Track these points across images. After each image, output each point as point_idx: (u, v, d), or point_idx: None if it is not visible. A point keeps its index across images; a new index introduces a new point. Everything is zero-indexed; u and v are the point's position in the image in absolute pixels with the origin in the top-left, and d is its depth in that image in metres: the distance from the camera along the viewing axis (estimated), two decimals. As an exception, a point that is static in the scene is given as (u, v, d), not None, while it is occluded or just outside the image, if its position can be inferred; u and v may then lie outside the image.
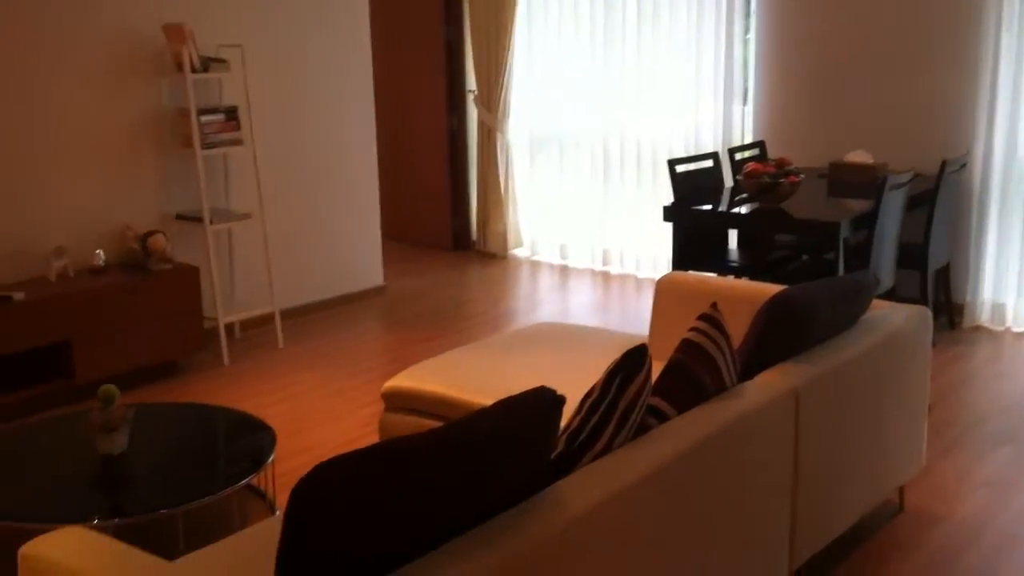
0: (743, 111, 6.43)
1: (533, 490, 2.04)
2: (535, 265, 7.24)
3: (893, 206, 4.79)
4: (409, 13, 7.48)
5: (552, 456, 2.19)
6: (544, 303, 6.31)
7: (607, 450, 2.23)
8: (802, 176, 4.96)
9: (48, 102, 4.71)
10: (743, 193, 5.13)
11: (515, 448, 1.97)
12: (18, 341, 4.30)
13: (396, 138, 7.65)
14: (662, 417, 2.43)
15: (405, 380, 3.58)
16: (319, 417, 4.46)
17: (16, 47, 4.57)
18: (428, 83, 7.50)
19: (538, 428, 2.02)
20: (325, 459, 1.68)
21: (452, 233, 7.63)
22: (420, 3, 7.40)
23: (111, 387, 3.30)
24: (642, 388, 2.26)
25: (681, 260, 5.19)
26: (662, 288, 3.81)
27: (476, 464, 1.87)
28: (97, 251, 4.81)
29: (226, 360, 5.14)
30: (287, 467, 3.87)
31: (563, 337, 3.96)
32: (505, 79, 7.08)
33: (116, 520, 2.93)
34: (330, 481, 1.67)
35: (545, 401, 2.05)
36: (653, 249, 6.69)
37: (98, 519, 2.90)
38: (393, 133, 7.61)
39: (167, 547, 3.02)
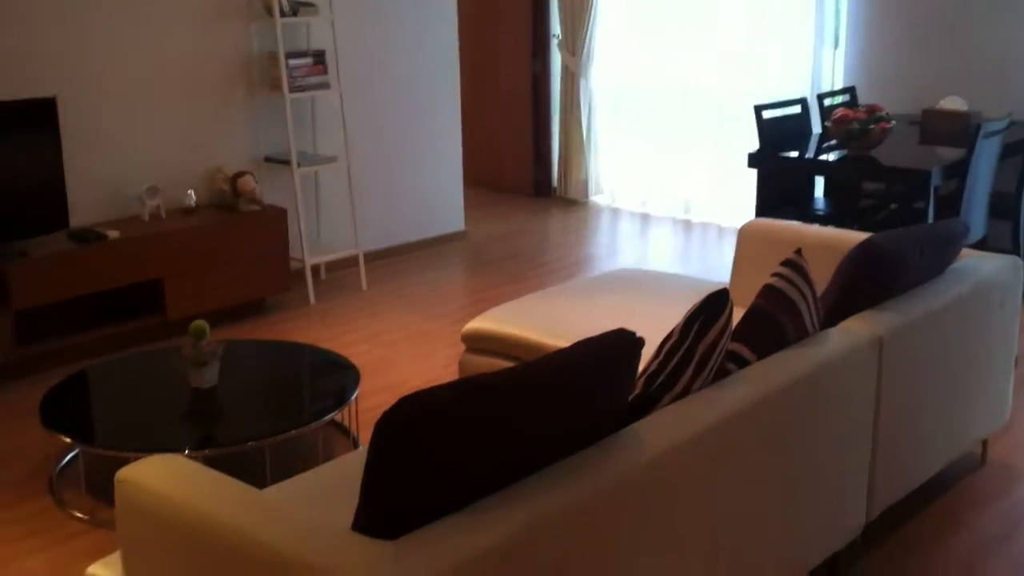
0: (833, 56, 6.27)
1: (611, 430, 2.07)
2: (615, 212, 7.21)
3: (986, 154, 4.65)
4: (494, -44, 7.44)
5: (630, 398, 2.20)
6: (623, 250, 6.30)
7: (685, 393, 2.24)
8: (893, 123, 4.84)
9: (144, 43, 4.81)
10: (831, 140, 5.03)
11: (594, 388, 2.00)
12: (113, 278, 4.44)
13: (480, 83, 7.64)
14: (742, 363, 2.43)
15: (485, 322, 3.63)
16: (400, 357, 4.54)
17: (111, -10, 4.67)
18: (513, 28, 7.47)
19: (617, 369, 2.04)
20: (394, 402, 1.73)
21: (533, 179, 7.63)
22: (505, -54, 7.35)
23: (202, 323, 3.40)
24: (722, 333, 2.26)
25: (765, 207, 5.12)
26: (745, 235, 3.78)
27: (556, 402, 1.90)
28: (189, 191, 4.93)
29: (311, 300, 5.24)
30: (369, 404, 3.95)
31: (642, 283, 3.96)
32: (590, 24, 7.01)
33: (206, 451, 3.04)
34: (415, 413, 1.71)
35: (624, 342, 2.07)
36: (736, 197, 6.61)
37: (189, 450, 3.02)
38: (477, 78, 7.60)
39: (254, 479, 3.13)
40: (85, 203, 4.64)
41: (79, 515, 3.20)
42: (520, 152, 7.64)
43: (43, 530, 3.13)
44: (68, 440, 3.14)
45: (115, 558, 2.19)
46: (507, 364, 3.52)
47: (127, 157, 4.82)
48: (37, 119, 4.28)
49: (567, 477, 1.89)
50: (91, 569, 2.19)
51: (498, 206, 7.36)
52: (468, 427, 1.77)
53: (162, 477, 2.01)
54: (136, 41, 4.79)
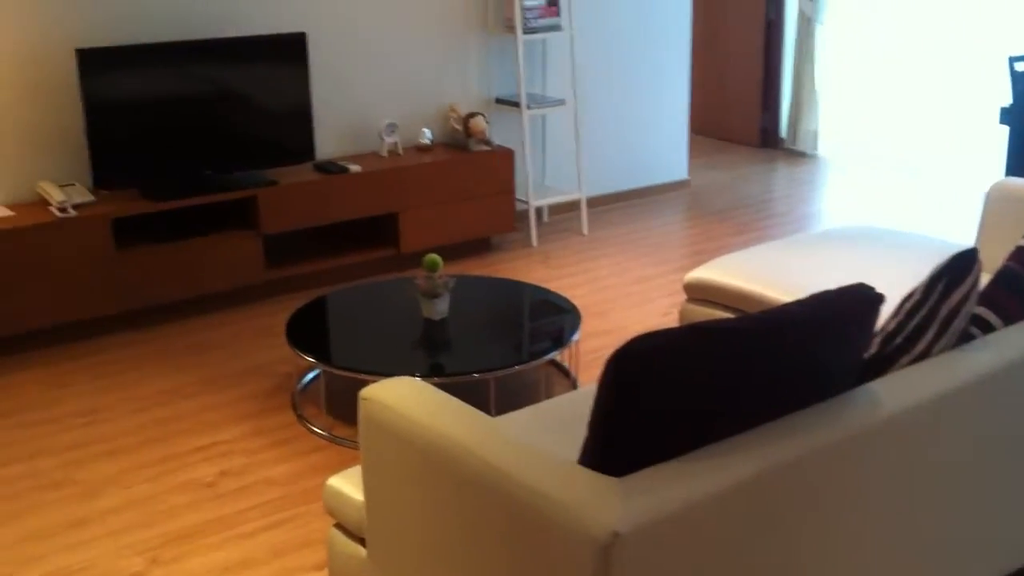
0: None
1: (845, 387, 2.03)
2: (845, 166, 6.95)
3: None
4: (734, -102, 7.23)
5: (866, 356, 2.16)
6: (853, 206, 6.07)
7: (925, 355, 2.17)
8: None
9: (386, -14, 4.99)
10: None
11: (829, 342, 1.97)
12: (352, 209, 4.68)
13: (710, 28, 7.49)
14: (987, 328, 2.32)
15: (709, 272, 3.60)
16: (620, 302, 4.58)
17: (360, -68, 4.85)
18: (748, -28, 7.26)
19: (854, 324, 2.00)
20: (626, 341, 1.75)
21: (760, 129, 7.45)
22: None
23: (436, 257, 3.54)
24: (968, 295, 2.17)
25: (1017, 167, 4.82)
26: (994, 196, 3.58)
27: (790, 353, 1.88)
28: (424, 129, 5.10)
29: (534, 242, 5.35)
30: (588, 347, 4.02)
31: (876, 239, 3.82)
32: (831, -32, 6.73)
33: (435, 379, 3.18)
34: (648, 351, 1.74)
35: (863, 298, 2.02)
36: (978, 156, 6.24)
37: (419, 376, 3.16)
38: (707, 23, 7.45)
39: (478, 409, 3.26)
40: (329, 137, 4.89)
41: (318, 430, 3.42)
42: (748, 100, 7.47)
43: (284, 442, 3.37)
44: (311, 360, 3.35)
45: (355, 471, 2.34)
46: (730, 316, 3.51)
47: (368, 93, 5.03)
48: (289, 54, 4.52)
49: (797, 431, 1.88)
50: (331, 480, 2.35)
51: (722, 155, 7.23)
52: (699, 371, 1.78)
53: (402, 397, 2.13)
54: (381, -18, 4.97)
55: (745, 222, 5.73)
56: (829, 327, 1.97)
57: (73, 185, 4.17)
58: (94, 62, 4.04)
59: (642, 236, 5.50)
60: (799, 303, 1.98)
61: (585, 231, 5.55)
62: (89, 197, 4.13)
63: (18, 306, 3.92)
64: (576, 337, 3.51)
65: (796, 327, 1.92)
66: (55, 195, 4.04)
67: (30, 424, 3.47)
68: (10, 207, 4.10)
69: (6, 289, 3.88)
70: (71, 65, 4.10)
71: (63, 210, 4.01)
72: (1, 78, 4.07)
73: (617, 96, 5.94)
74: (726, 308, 3.54)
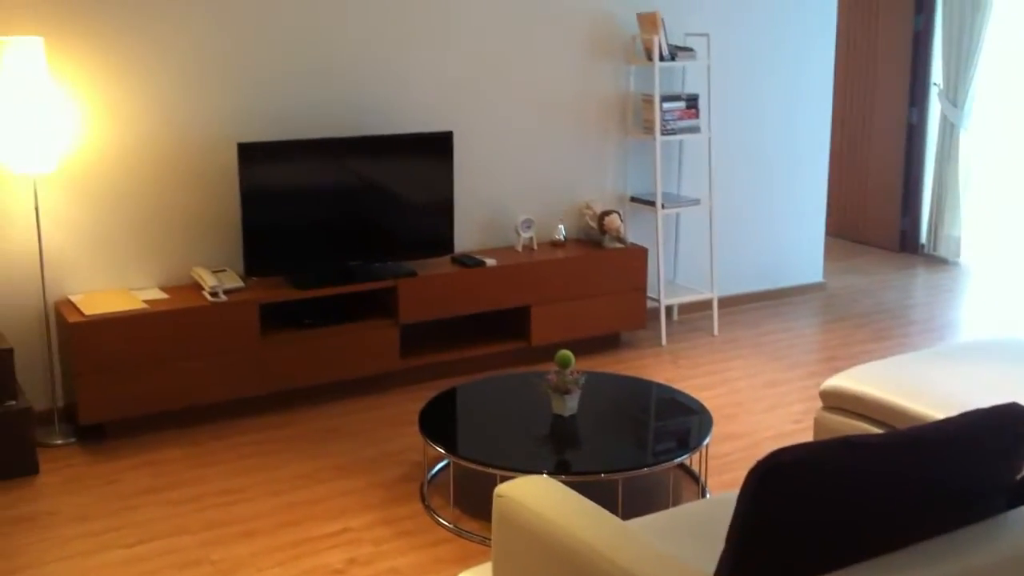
0: None
1: (996, 510, 1.96)
2: (989, 275, 6.74)
3: None
4: (878, 2, 7.23)
5: (1019, 477, 2.08)
6: (996, 317, 5.87)
7: (1082, 482, 2.08)
8: None
9: (530, 81, 5.13)
10: None
11: (981, 462, 1.91)
12: (487, 302, 4.76)
13: (849, 130, 7.44)
14: None
15: (848, 380, 3.53)
16: (751, 406, 4.51)
17: (496, 18, 5.02)
18: (890, 74, 7.21)
19: (1007, 444, 1.94)
20: (757, 448, 1.74)
21: (900, 233, 7.30)
22: (889, -8, 7.13)
23: (568, 353, 3.57)
24: None
25: None
26: None
27: (940, 471, 1.83)
28: (559, 225, 5.18)
29: (663, 340, 5.33)
30: (718, 451, 3.96)
31: (1022, 353, 3.69)
32: (974, 73, 6.63)
33: (563, 476, 3.18)
34: (793, 465, 1.72)
35: (1016, 417, 1.96)
36: None
37: (548, 473, 3.17)
38: (847, 125, 7.41)
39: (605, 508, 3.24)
40: (467, 230, 5.01)
41: (444, 522, 3.45)
42: (887, 204, 7.35)
43: (411, 532, 3.40)
44: (440, 450, 3.40)
45: (485, 569, 2.35)
46: (867, 427, 3.43)
47: (507, 189, 5.15)
48: (435, 150, 4.68)
49: (947, 555, 1.81)
50: (463, 575, 2.37)
51: (860, 259, 7.11)
52: (845, 486, 1.75)
53: (538, 497, 2.14)
54: (523, 79, 5.11)
55: (883, 329, 5.60)
56: (981, 446, 1.91)
57: (225, 271, 4.37)
58: (253, 155, 4.26)
59: (775, 339, 5.43)
60: (949, 420, 1.93)
61: (716, 331, 5.51)
62: (239, 283, 4.31)
63: (169, 385, 4.10)
64: (707, 441, 3.47)
65: (947, 445, 1.87)
66: (208, 280, 4.24)
67: (175, 501, 3.60)
68: (165, 289, 4.32)
69: (158, 368, 4.06)
70: (231, 157, 4.33)
71: (214, 295, 4.20)
72: (166, 167, 4.33)
73: (753, 196, 5.93)
74: (864, 419, 3.46)
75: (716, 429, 4.21)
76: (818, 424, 3.65)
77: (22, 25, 3.97)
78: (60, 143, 3.99)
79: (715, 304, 5.56)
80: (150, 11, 4.20)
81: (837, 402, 3.56)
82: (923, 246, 7.22)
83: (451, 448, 3.40)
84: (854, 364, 4.23)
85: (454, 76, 4.92)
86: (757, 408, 4.49)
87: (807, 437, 4.01)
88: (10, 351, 3.73)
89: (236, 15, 4.38)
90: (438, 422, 3.63)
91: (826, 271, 6.39)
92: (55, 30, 4.02)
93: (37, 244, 4.02)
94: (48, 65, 3.92)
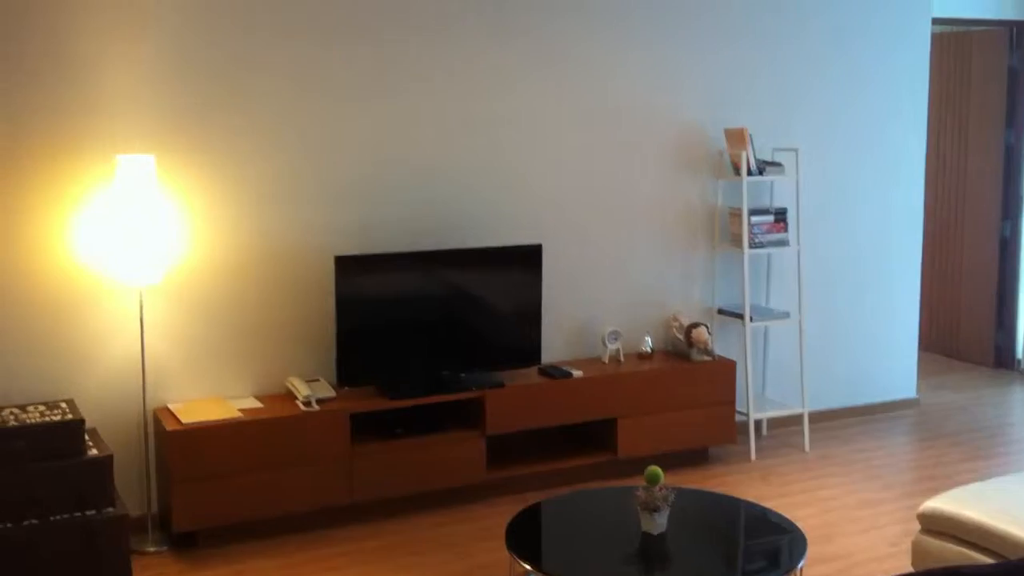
0: None
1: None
2: (1094, 392, 6.52)
3: None
4: (968, 115, 7.20)
5: None
6: (1104, 436, 5.66)
7: None
8: None
9: (620, 192, 5.19)
10: None
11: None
12: (573, 414, 4.76)
13: (941, 243, 7.34)
14: None
15: (948, 503, 3.43)
16: (845, 527, 4.39)
17: (585, 131, 5.12)
18: (982, 188, 7.13)
19: None
20: (852, 571, 1.69)
21: (995, 348, 7.12)
22: (980, 106, 7.09)
23: (657, 469, 3.54)
24: None
25: None
26: None
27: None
28: (645, 337, 5.18)
29: (753, 456, 5.24)
30: (812, 573, 3.85)
31: None
32: (1072, 187, 6.53)
33: (653, 597, 3.12)
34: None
35: None
36: None
37: (639, 593, 3.11)
38: (938, 238, 7.32)
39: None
40: (554, 341, 5.04)
41: (532, 639, 3.39)
42: (981, 318, 7.19)
43: (498, 648, 3.36)
44: (527, 567, 3.36)
45: None
46: (971, 553, 3.32)
47: (594, 300, 5.18)
48: (524, 263, 4.75)
49: None
50: None
51: (954, 375, 6.93)
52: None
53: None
54: (611, 191, 5.18)
55: (981, 448, 5.43)
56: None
57: (318, 380, 4.46)
58: (349, 268, 4.37)
59: (868, 456, 5.30)
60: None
61: (807, 447, 5.40)
62: (331, 392, 4.39)
63: (260, 494, 4.15)
64: (802, 563, 3.38)
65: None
66: (302, 390, 4.32)
67: (262, 610, 3.62)
68: (260, 398, 4.41)
69: (250, 477, 4.12)
70: (325, 268, 4.45)
71: (307, 404, 4.28)
72: (263, 278, 4.46)
73: (844, 310, 5.86)
74: (967, 544, 3.35)
75: (810, 550, 4.10)
76: (916, 548, 3.54)
77: (136, 143, 4.17)
78: (166, 256, 4.15)
79: (806, 419, 5.46)
80: (250, 129, 4.39)
81: (937, 525, 3.45)
82: (1019, 362, 7.02)
83: (537, 565, 3.37)
84: (952, 485, 4.12)
85: (543, 188, 5.02)
86: (852, 529, 4.36)
87: (905, 562, 3.88)
88: (110, 457, 3.83)
89: (329, 132, 4.54)
90: (525, 537, 3.60)
91: (919, 387, 6.25)
92: (164, 148, 4.22)
93: (140, 353, 4.15)
94: (157, 180, 4.11)
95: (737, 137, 5.24)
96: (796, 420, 5.56)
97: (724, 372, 5.11)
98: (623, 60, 5.12)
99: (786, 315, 5.45)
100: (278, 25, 4.39)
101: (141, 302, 4.14)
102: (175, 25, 4.21)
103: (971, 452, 5.35)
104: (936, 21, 6.13)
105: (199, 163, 4.31)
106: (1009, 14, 6.62)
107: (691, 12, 5.24)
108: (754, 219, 5.29)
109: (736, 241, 5.32)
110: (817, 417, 5.76)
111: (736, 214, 5.31)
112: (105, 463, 3.81)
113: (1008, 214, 7.02)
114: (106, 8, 4.09)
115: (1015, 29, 6.80)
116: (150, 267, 4.05)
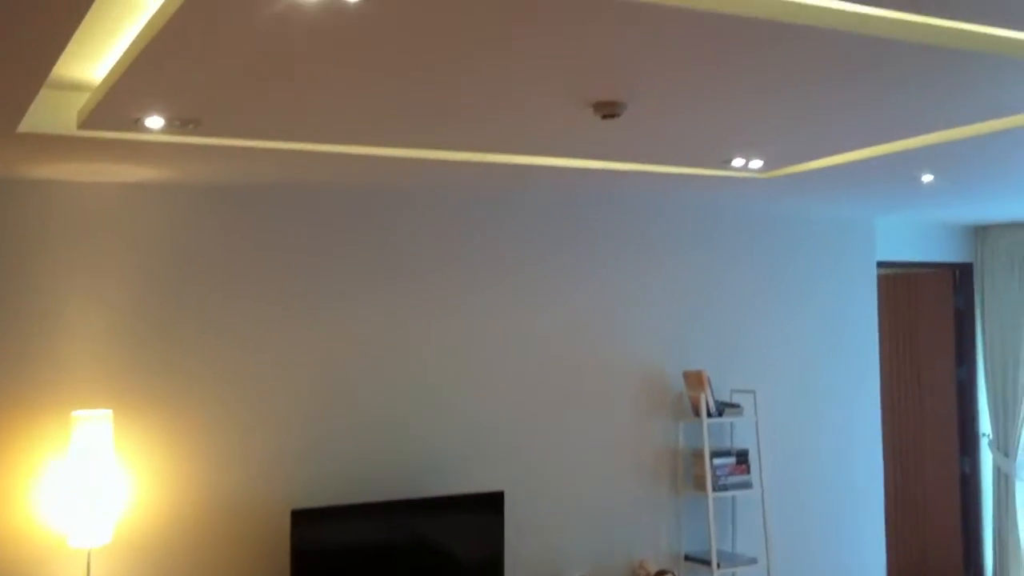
0: None
1: None
2: (1068, 634, 6.36)
3: None
4: (919, 355, 7.36)
5: None
6: None
7: None
8: None
9: (579, 440, 5.16)
10: None
11: None
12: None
13: (902, 482, 7.33)
14: None
15: None
16: None
17: (546, 377, 5.12)
18: (937, 425, 7.19)
19: None
20: None
21: (965, 587, 7.00)
22: (930, 345, 7.26)
23: None
24: None
25: None
26: None
27: None
28: (611, 587, 5.03)
29: None
30: None
31: None
32: (1021, 421, 6.60)
33: None
34: None
35: None
36: None
37: None
38: (898, 477, 7.30)
39: None
40: (517, 592, 4.87)
41: None
42: (949, 557, 7.08)
43: None
44: None
45: None
46: None
47: (558, 547, 5.05)
48: (486, 509, 4.64)
49: None
50: None
51: (925, 616, 6.76)
52: None
53: None
54: (572, 435, 5.14)
55: None
56: None
57: (270, 639, 4.23)
58: (306, 520, 4.24)
59: None
60: None
61: None
62: (284, 653, 4.16)
63: None
64: None
65: None
66: (253, 651, 4.08)
67: None
68: (208, 660, 4.17)
69: None
70: (281, 520, 4.31)
71: (258, 667, 4.04)
72: (216, 533, 4.30)
73: (810, 552, 5.75)
74: None
75: None
76: None
77: (91, 399, 4.11)
78: (116, 515, 4.00)
79: (778, 670, 5.25)
80: (209, 384, 4.36)
81: None
82: (991, 602, 6.88)
83: None
84: None
85: (505, 433, 4.98)
86: None
87: None
88: None
89: (283, 385, 4.52)
90: None
91: (892, 631, 6.07)
92: (121, 402, 4.16)
93: (83, 613, 3.94)
94: (113, 435, 4.02)
95: (696, 379, 5.28)
96: (769, 671, 5.35)
97: (693, 622, 4.94)
98: (582, 308, 5.21)
99: (753, 561, 5.33)
100: (230, 283, 4.44)
101: (88, 564, 3.95)
102: (128, 282, 4.24)
103: None
104: (882, 264, 6.36)
105: (157, 416, 4.24)
106: (951, 257, 6.89)
107: (649, 261, 5.39)
108: (716, 461, 5.25)
109: (700, 484, 5.27)
110: (790, 667, 5.55)
111: (699, 456, 5.28)
112: None
113: (966, 451, 7.06)
114: (62, 266, 4.12)
115: (958, 271, 7.06)
116: (100, 529, 3.89)
